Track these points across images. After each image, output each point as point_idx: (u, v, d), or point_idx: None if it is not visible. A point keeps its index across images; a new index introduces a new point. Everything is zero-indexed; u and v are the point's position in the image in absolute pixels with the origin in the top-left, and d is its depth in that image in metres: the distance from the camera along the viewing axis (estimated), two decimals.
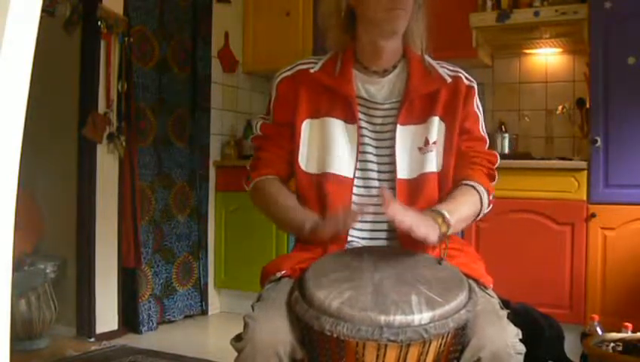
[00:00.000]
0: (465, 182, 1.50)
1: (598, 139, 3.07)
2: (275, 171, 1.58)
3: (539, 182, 3.18)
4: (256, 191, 1.58)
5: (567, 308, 3.10)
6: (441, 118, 1.51)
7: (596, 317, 2.40)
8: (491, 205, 1.53)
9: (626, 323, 2.26)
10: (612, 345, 2.08)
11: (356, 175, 1.50)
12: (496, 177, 1.57)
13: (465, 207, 1.45)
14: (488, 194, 1.51)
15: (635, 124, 3.03)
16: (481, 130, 1.57)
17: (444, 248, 1.36)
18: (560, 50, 3.70)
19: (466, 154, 1.53)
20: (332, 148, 1.50)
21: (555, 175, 3.16)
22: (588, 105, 3.25)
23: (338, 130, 1.51)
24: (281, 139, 1.57)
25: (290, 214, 1.48)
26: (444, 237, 1.35)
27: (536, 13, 3.32)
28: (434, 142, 1.50)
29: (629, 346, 2.06)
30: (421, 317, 1.10)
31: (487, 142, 1.59)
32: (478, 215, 1.51)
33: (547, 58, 3.76)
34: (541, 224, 3.17)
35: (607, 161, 3.06)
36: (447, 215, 1.36)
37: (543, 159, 3.40)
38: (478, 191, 1.49)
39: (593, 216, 3.06)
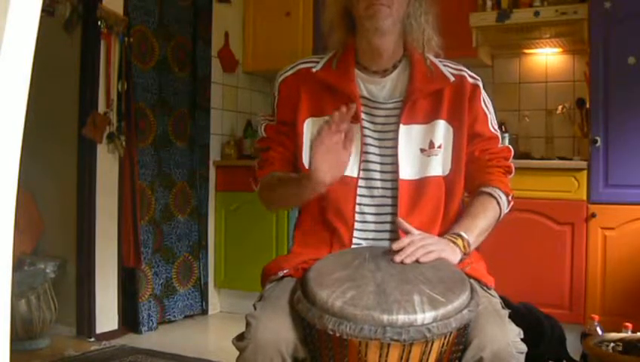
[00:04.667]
0: (482, 189, 1.51)
1: (598, 139, 3.07)
2: (280, 168, 1.57)
3: (539, 182, 3.18)
4: (264, 189, 1.58)
5: (567, 308, 3.10)
6: (448, 122, 1.50)
7: (596, 317, 2.40)
8: (512, 204, 1.54)
9: (626, 323, 2.26)
10: (612, 345, 2.08)
11: (360, 175, 1.50)
12: (513, 170, 1.57)
13: (482, 219, 1.46)
14: (507, 196, 1.52)
15: (635, 124, 3.03)
16: (491, 128, 1.56)
17: (468, 263, 1.38)
18: (560, 50, 3.69)
19: (480, 159, 1.53)
20: None
21: (555, 175, 3.16)
22: (588, 105, 3.25)
23: None
24: (284, 139, 1.57)
25: (291, 181, 1.47)
26: (465, 257, 1.38)
27: (537, 13, 3.32)
28: (439, 146, 1.49)
29: (629, 346, 2.06)
30: (424, 316, 1.10)
31: (500, 138, 1.58)
32: (498, 219, 1.52)
33: (547, 58, 3.76)
34: (541, 224, 3.17)
35: (607, 161, 3.07)
36: (465, 235, 1.39)
37: (543, 159, 3.40)
38: (495, 196, 1.49)
39: (593, 216, 3.06)
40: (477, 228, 1.43)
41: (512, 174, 1.57)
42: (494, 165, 1.54)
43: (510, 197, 1.53)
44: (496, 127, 1.58)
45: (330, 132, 1.30)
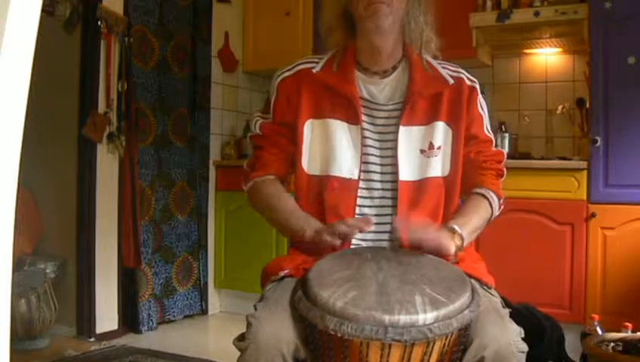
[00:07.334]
0: (475, 190, 1.54)
1: (598, 139, 3.07)
2: (274, 171, 1.58)
3: (539, 182, 3.18)
4: (255, 192, 1.59)
5: (567, 308, 3.09)
6: (447, 124, 1.52)
7: (596, 316, 2.40)
8: (502, 207, 1.57)
9: (626, 323, 2.26)
10: (612, 344, 2.08)
11: (360, 176, 1.50)
12: (505, 173, 1.61)
13: (475, 217, 1.48)
14: (498, 198, 1.54)
15: (635, 124, 3.03)
16: (486, 131, 1.58)
17: (462, 258, 1.39)
18: (560, 50, 3.69)
19: (475, 161, 1.55)
20: (335, 150, 1.50)
21: (555, 175, 3.16)
22: (588, 105, 3.25)
23: (341, 132, 1.50)
24: (280, 139, 1.57)
25: (290, 219, 1.48)
26: (459, 250, 1.39)
27: (537, 13, 3.32)
28: (438, 147, 1.50)
29: (629, 346, 2.07)
30: (425, 317, 1.10)
31: (494, 141, 1.61)
32: (490, 220, 1.54)
33: (547, 58, 3.76)
34: (541, 224, 3.17)
35: (607, 161, 3.06)
36: (458, 229, 1.40)
37: (543, 159, 3.40)
38: (487, 197, 1.52)
39: (593, 215, 3.06)
40: (470, 225, 1.45)
41: (504, 177, 1.61)
42: (488, 167, 1.57)
43: (502, 200, 1.56)
44: (490, 130, 1.60)
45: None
